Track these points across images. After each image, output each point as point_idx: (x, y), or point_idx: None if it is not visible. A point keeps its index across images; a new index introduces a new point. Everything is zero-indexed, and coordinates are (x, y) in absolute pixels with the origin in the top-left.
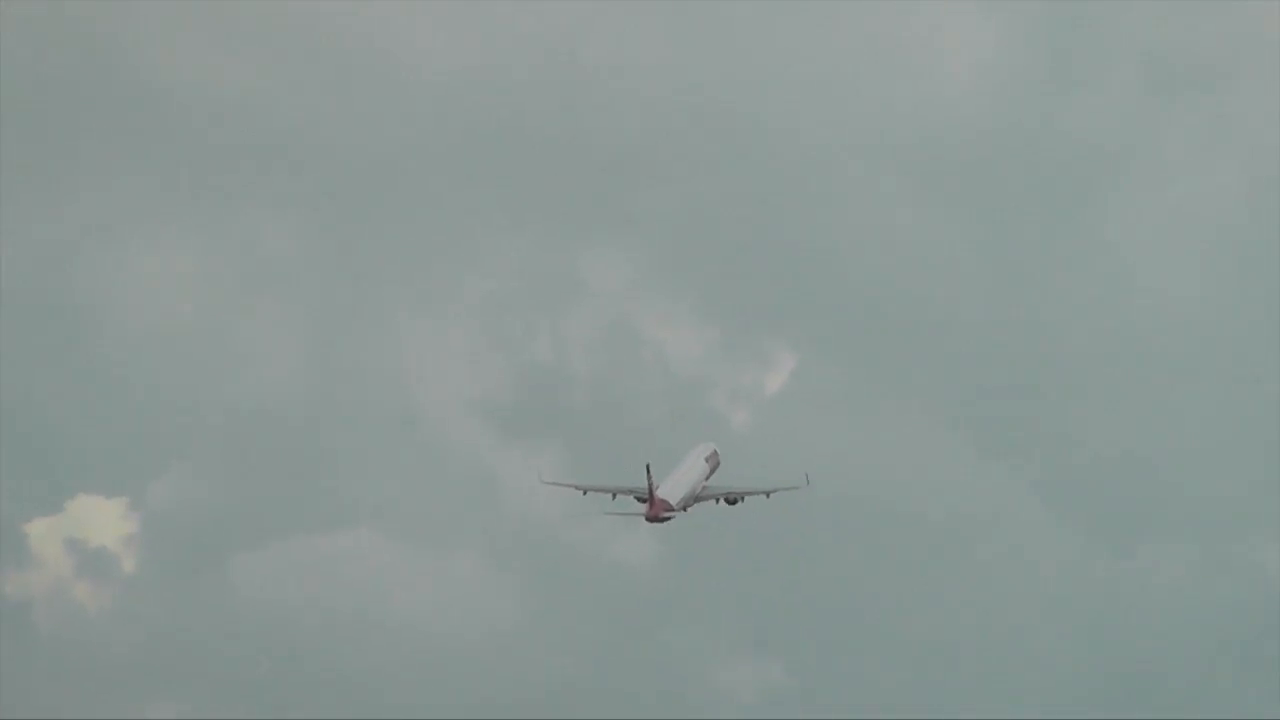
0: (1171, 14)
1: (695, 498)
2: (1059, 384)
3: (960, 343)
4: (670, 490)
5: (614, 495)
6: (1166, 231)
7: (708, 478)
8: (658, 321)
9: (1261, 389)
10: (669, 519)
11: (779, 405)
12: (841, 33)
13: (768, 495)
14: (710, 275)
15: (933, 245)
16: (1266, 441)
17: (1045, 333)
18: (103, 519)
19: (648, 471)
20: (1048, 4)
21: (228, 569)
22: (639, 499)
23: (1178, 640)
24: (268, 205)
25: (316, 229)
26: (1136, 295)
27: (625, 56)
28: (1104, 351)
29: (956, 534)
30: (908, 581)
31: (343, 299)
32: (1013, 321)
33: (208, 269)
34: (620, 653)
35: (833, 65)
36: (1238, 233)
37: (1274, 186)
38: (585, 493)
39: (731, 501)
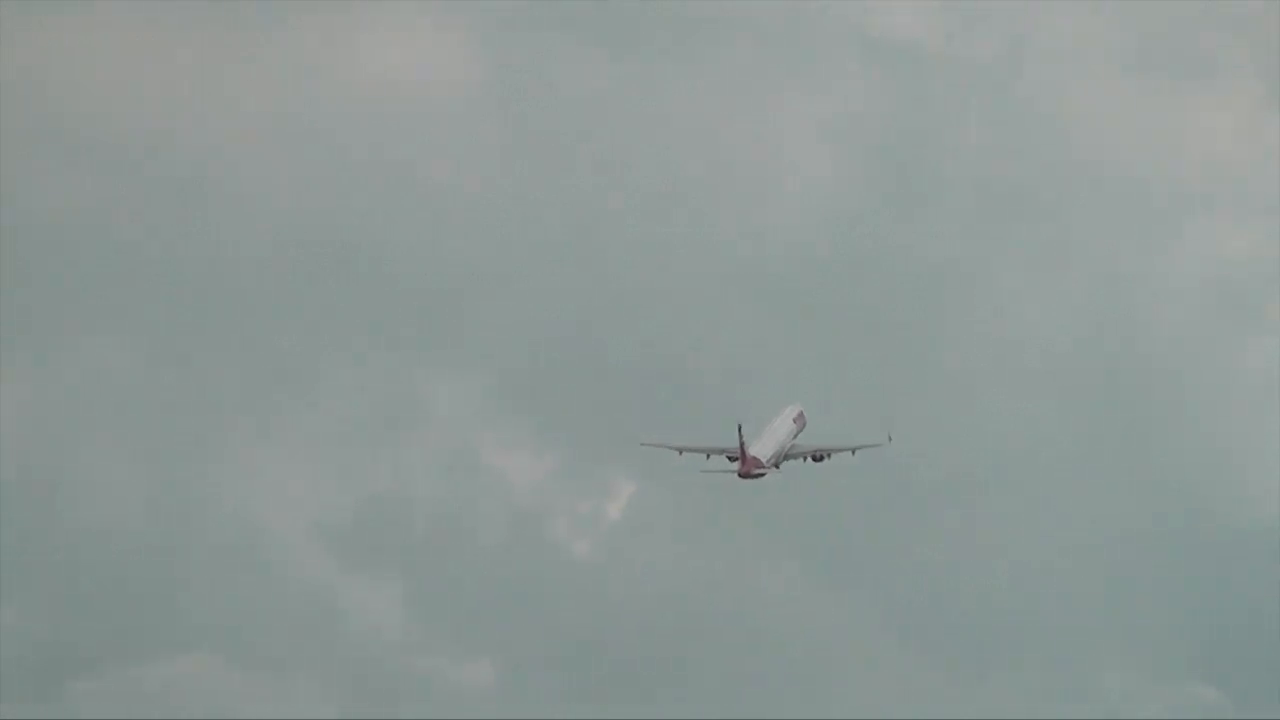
0: (1007, 139)
1: (784, 455)
2: (901, 509)
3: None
4: (761, 449)
5: (708, 455)
6: (1003, 356)
7: (795, 437)
8: (499, 448)
9: (1102, 514)
10: (761, 475)
11: (620, 533)
12: (683, 156)
13: (853, 452)
14: (551, 402)
15: (773, 368)
16: (1107, 568)
17: (884, 457)
18: None
19: (739, 431)
20: (886, 128)
21: (67, 694)
22: (731, 458)
23: None
24: (108, 332)
25: (157, 356)
26: (974, 419)
27: (466, 180)
28: (943, 476)
29: (806, 662)
30: (759, 712)
31: (184, 426)
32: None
33: (48, 395)
34: None
35: (675, 188)
36: (1074, 357)
37: (1110, 310)
38: (681, 453)
39: (818, 459)
